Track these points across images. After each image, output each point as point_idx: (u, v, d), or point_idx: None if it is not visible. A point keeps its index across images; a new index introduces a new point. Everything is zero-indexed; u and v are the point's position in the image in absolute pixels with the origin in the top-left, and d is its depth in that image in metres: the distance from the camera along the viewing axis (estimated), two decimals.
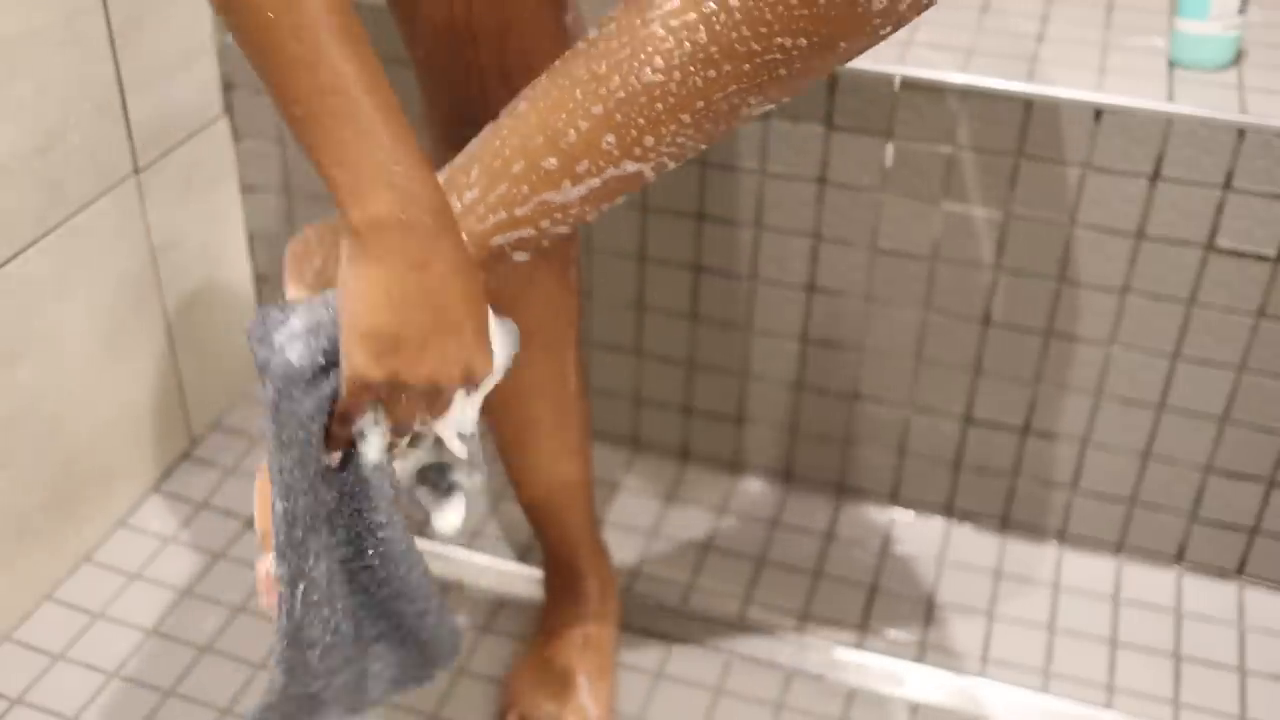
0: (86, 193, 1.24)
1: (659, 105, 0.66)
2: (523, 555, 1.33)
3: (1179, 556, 1.33)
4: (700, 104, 0.66)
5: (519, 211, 0.71)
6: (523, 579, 1.30)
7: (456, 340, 0.69)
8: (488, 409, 1.09)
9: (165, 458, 1.43)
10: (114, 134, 1.26)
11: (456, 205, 0.72)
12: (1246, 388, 1.21)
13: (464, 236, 0.71)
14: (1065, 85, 1.15)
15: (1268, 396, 1.21)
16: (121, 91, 1.26)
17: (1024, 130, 1.16)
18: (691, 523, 1.38)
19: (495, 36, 0.87)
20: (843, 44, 0.63)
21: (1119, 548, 1.34)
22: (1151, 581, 1.32)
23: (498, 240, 0.73)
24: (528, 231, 0.72)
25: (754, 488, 1.43)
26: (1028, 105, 1.15)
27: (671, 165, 0.70)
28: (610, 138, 0.68)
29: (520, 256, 0.74)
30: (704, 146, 0.70)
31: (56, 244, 1.21)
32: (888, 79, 1.18)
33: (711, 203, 1.29)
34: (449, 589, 1.29)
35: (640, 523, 1.38)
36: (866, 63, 1.18)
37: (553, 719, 1.13)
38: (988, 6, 1.30)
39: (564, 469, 1.10)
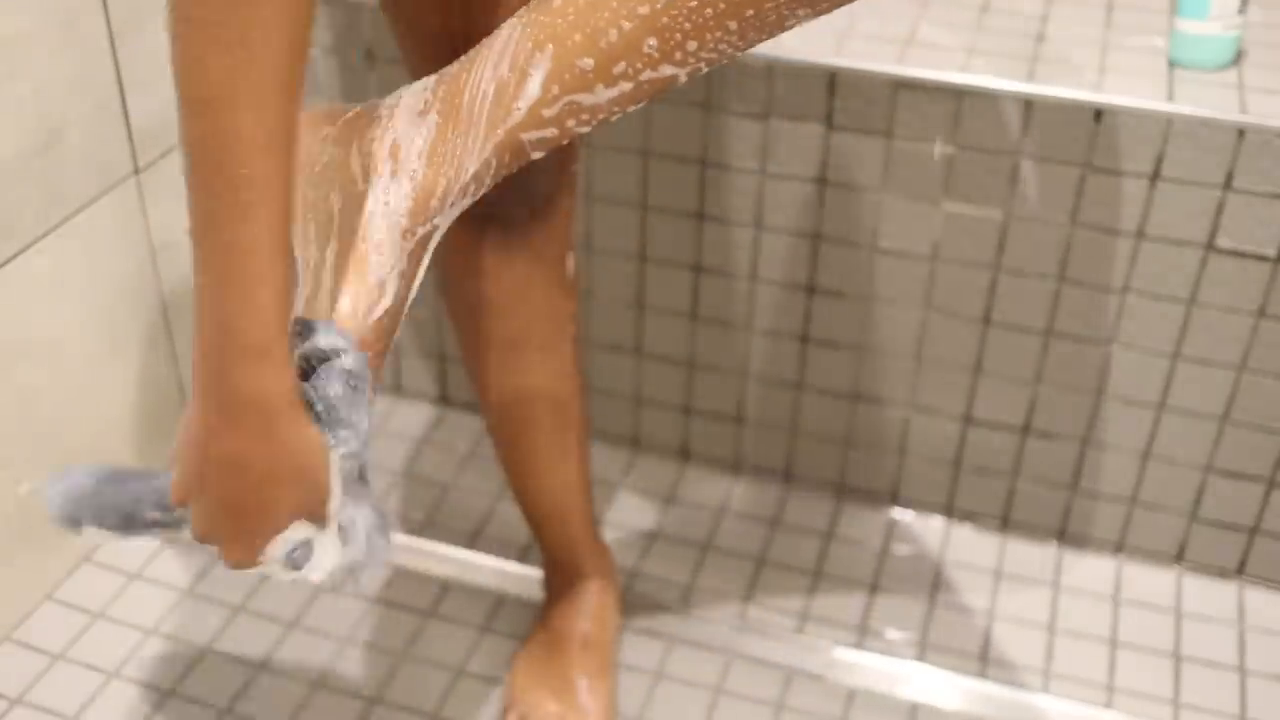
0: (86, 193, 1.24)
1: (709, 10, 0.64)
2: (523, 555, 1.33)
3: (1179, 556, 1.33)
4: (750, 12, 0.63)
5: (545, 112, 0.69)
6: (523, 579, 1.30)
7: (230, 511, 0.72)
8: (486, 411, 1.09)
9: (165, 458, 1.43)
10: (114, 134, 1.26)
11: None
12: (1246, 388, 1.21)
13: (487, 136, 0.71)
14: (1065, 85, 1.15)
15: (1268, 396, 1.21)
16: (121, 91, 1.26)
17: (1024, 130, 1.16)
18: (691, 523, 1.38)
19: None
20: None
21: (1119, 548, 1.34)
22: (1151, 581, 1.32)
23: (522, 137, 0.71)
24: (550, 132, 0.70)
25: (754, 488, 1.43)
26: (1028, 105, 1.15)
27: (705, 70, 0.68)
28: (653, 40, 0.65)
29: (537, 155, 0.72)
30: (739, 54, 0.68)
31: (56, 244, 1.21)
32: (888, 79, 1.18)
33: (711, 203, 1.29)
34: (449, 588, 1.30)
35: (640, 523, 1.38)
36: (866, 63, 1.18)
37: (553, 719, 1.13)
38: (988, 6, 1.30)
39: (563, 470, 1.10)
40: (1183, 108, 1.12)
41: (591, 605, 1.18)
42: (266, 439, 0.68)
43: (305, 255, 0.75)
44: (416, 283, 0.76)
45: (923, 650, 1.25)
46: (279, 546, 0.72)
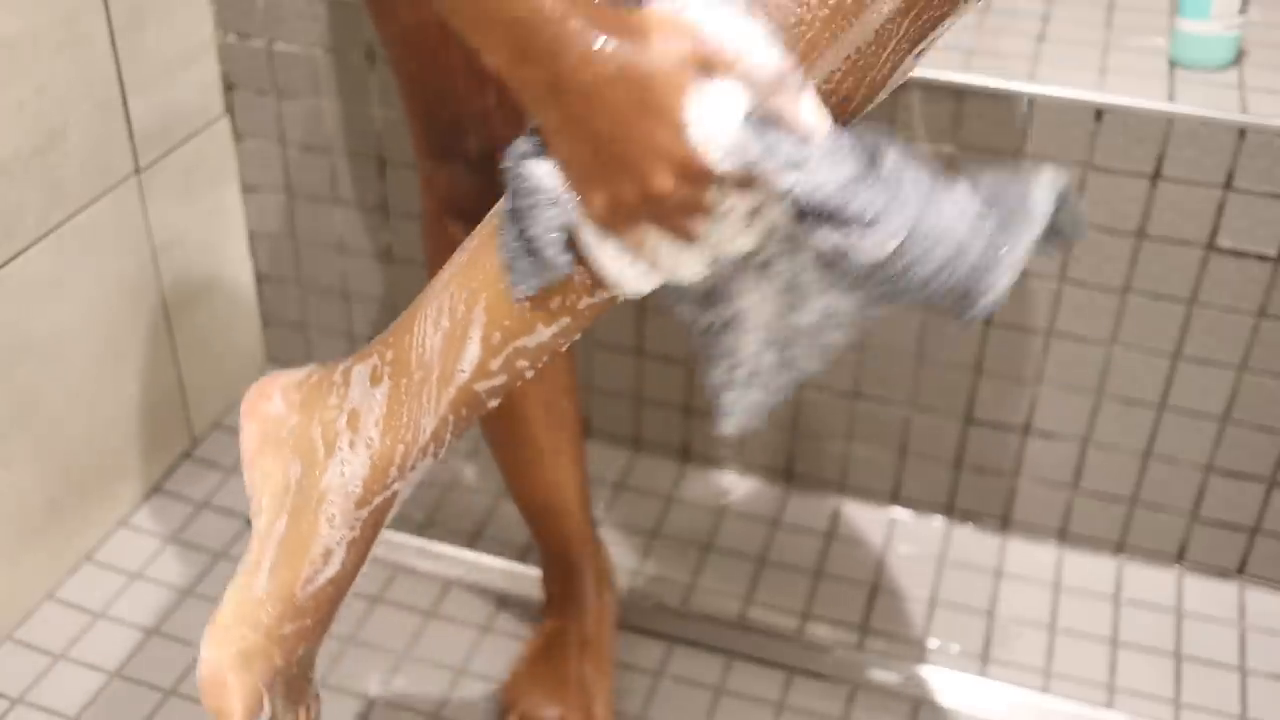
0: (87, 193, 1.24)
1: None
2: (523, 555, 1.33)
3: (1180, 556, 1.33)
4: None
5: (493, 364, 0.71)
6: (523, 579, 1.30)
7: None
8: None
9: (165, 458, 1.43)
10: (115, 134, 1.26)
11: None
12: (1247, 387, 1.21)
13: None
14: (1066, 85, 1.15)
15: (1268, 396, 1.21)
16: (122, 91, 1.26)
17: (1024, 130, 1.16)
18: (691, 523, 1.38)
19: None
20: None
21: (1119, 548, 1.34)
22: (1152, 581, 1.32)
23: (475, 389, 0.73)
24: (500, 380, 0.72)
25: (754, 488, 1.43)
26: (1028, 105, 1.15)
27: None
28: None
29: (493, 403, 0.74)
30: None
31: (57, 244, 1.21)
32: None
33: None
34: (449, 588, 1.30)
35: (640, 523, 1.38)
36: None
37: (553, 719, 1.13)
38: (988, 6, 1.30)
39: (558, 469, 1.10)
40: (1183, 108, 1.12)
41: (589, 604, 1.18)
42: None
43: (256, 525, 0.77)
44: (370, 551, 0.77)
45: (923, 650, 1.25)
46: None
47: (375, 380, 0.74)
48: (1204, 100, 1.13)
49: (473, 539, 1.36)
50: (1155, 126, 1.13)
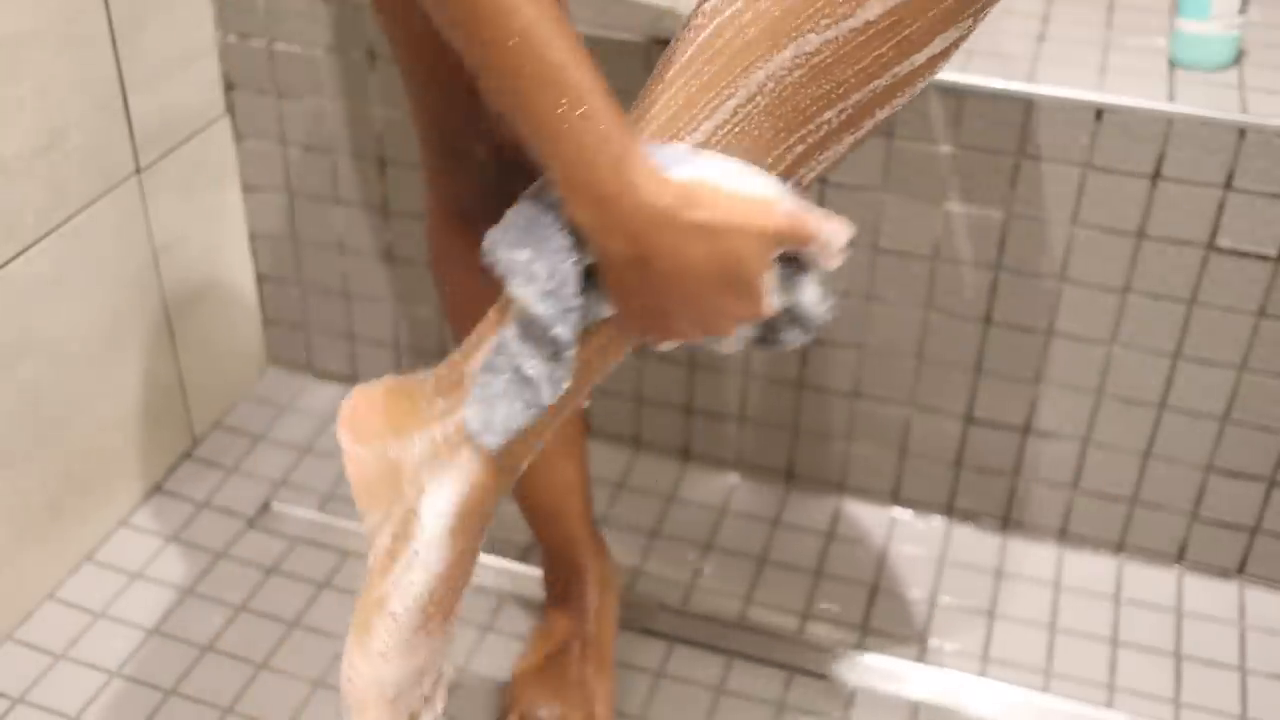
0: (88, 192, 1.24)
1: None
2: (523, 555, 1.33)
3: (1180, 556, 1.33)
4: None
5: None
6: (523, 579, 1.30)
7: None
8: None
9: (165, 458, 1.43)
10: (115, 134, 1.27)
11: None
12: (1247, 387, 1.21)
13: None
14: (1065, 85, 1.16)
15: (1268, 396, 1.21)
16: (123, 91, 1.26)
17: (1024, 130, 1.16)
18: (691, 523, 1.38)
19: None
20: None
21: (1119, 547, 1.34)
22: (1152, 581, 1.32)
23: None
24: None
25: (754, 488, 1.43)
26: (1028, 105, 1.15)
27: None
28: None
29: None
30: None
31: (58, 244, 1.21)
32: None
33: None
34: None
35: (640, 523, 1.38)
36: None
37: (553, 719, 1.13)
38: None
39: (560, 468, 1.11)
40: (1183, 107, 1.12)
41: (590, 604, 1.18)
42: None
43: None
44: (469, 565, 0.90)
45: (923, 650, 1.25)
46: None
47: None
48: (1204, 100, 1.13)
49: None
50: (1155, 126, 1.13)
